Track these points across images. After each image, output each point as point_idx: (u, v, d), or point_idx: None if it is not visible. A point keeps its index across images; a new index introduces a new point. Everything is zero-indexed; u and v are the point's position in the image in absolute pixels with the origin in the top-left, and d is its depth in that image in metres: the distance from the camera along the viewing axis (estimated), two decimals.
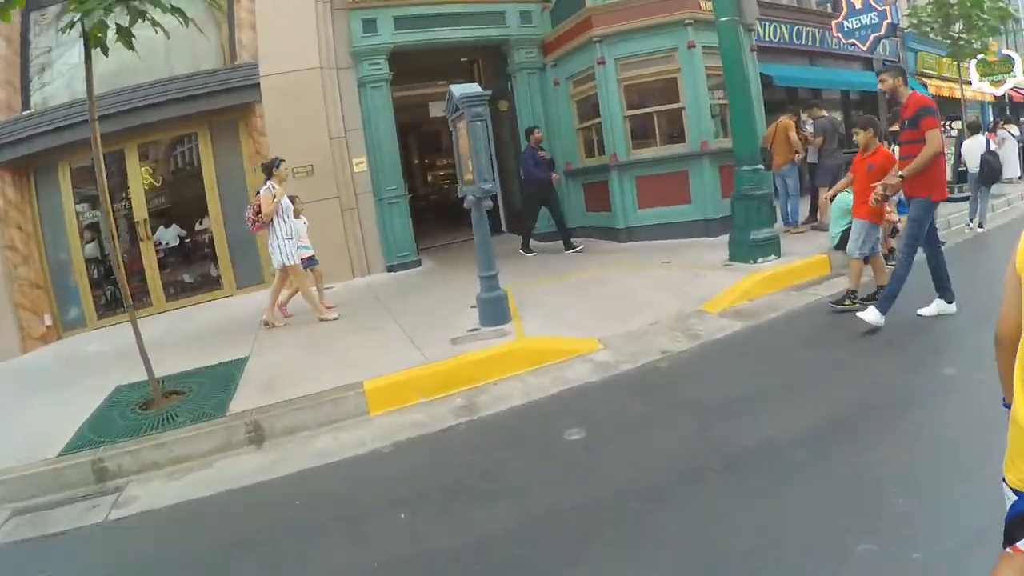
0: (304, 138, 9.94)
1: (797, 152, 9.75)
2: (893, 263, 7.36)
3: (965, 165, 12.47)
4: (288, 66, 9.87)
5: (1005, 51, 18.80)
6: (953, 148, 12.51)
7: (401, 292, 8.69)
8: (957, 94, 19.99)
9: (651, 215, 10.18)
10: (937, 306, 5.58)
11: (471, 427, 4.44)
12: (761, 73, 12.95)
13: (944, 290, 5.59)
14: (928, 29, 14.77)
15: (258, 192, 7.25)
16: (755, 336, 5.66)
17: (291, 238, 7.21)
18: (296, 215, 7.58)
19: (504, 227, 13.77)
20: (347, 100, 10.56)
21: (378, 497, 3.72)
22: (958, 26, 14.24)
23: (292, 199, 7.56)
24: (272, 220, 7.10)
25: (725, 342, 5.57)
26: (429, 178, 22.55)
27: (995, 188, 10.98)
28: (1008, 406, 1.56)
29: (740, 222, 7.71)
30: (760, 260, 7.48)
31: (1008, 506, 1.55)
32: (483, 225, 6.19)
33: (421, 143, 20.60)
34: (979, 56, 18.86)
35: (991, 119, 22.05)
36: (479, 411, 4.63)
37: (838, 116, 16.52)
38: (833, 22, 15.24)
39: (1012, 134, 17.32)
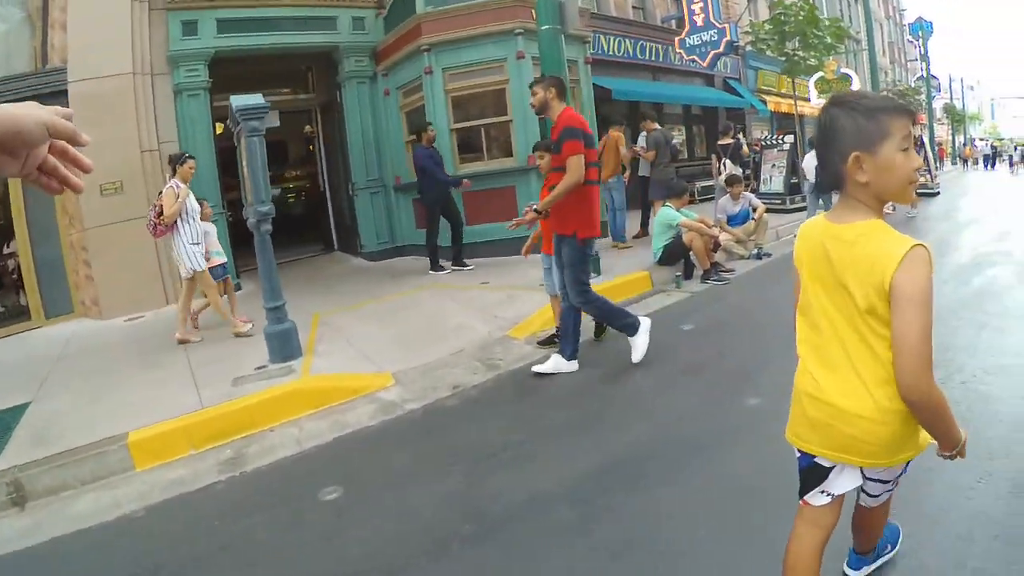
0: (113, 151, 8.70)
1: (624, 167, 9.51)
2: (715, 279, 7.23)
3: (798, 178, 12.83)
4: (98, 71, 8.86)
5: (844, 70, 19.78)
6: (786, 161, 12.81)
7: (207, 321, 7.72)
8: (797, 110, 20.97)
9: (479, 232, 9.65)
10: (555, 363, 4.87)
11: (231, 485, 3.89)
12: (601, 86, 12.87)
13: (572, 350, 4.90)
14: (765, 47, 15.21)
15: (160, 192, 6.55)
16: None
17: (198, 243, 6.51)
18: (204, 218, 6.94)
19: (336, 245, 13.00)
20: (163, 110, 9.55)
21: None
22: (793, 44, 14.72)
23: (200, 202, 6.90)
24: (176, 223, 6.37)
25: (522, 373, 5.05)
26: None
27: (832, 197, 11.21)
28: None
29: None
30: None
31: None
32: (266, 251, 5.50)
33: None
34: (818, 74, 19.80)
35: None
36: (245, 464, 4.06)
37: (678, 131, 16.84)
38: (676, 39, 15.48)
39: None
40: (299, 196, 17.51)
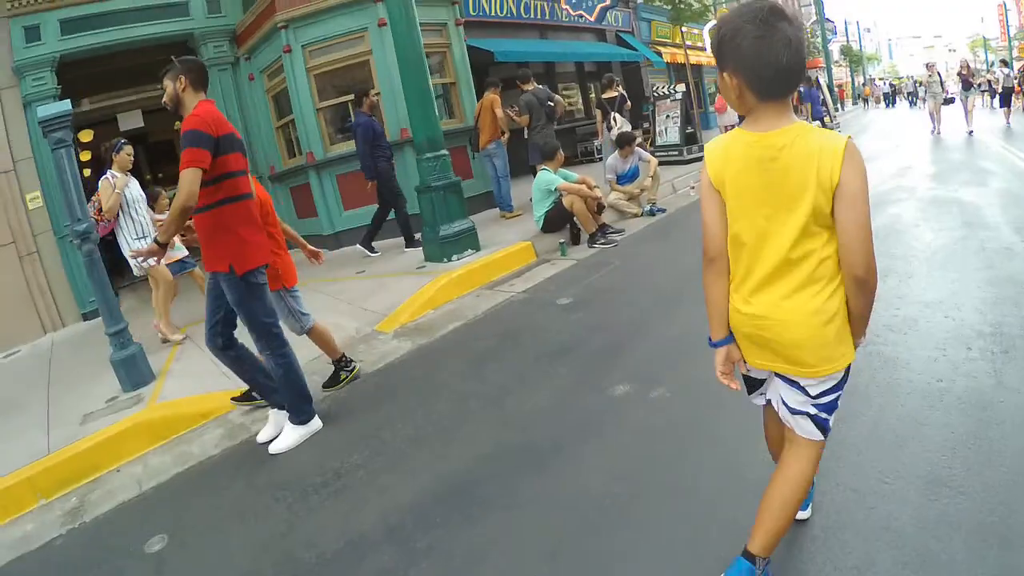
0: None
1: (503, 131, 9.00)
2: (602, 242, 6.86)
3: (693, 127, 12.65)
4: None
5: None
6: (680, 111, 12.55)
7: (78, 348, 7.01)
8: (692, 60, 20.83)
9: (358, 216, 9.02)
10: (275, 423, 3.90)
11: (70, 539, 3.43)
12: (482, 49, 12.31)
13: (270, 394, 3.91)
14: None
15: (97, 187, 5.85)
16: (416, 363, 4.61)
17: (144, 236, 5.89)
18: (161, 210, 6.38)
19: None
20: (14, 126, 8.63)
21: None
22: None
23: (155, 194, 6.53)
24: (118, 217, 5.80)
25: (381, 376, 4.52)
26: None
27: None
28: (717, 344, 1.86)
29: (428, 217, 6.70)
30: (456, 257, 6.54)
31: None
32: (95, 272, 4.82)
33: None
34: (712, 22, 19.67)
35: None
36: (85, 514, 3.59)
37: (567, 89, 16.40)
38: None
39: None
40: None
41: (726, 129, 18.31)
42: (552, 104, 8.89)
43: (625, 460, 2.78)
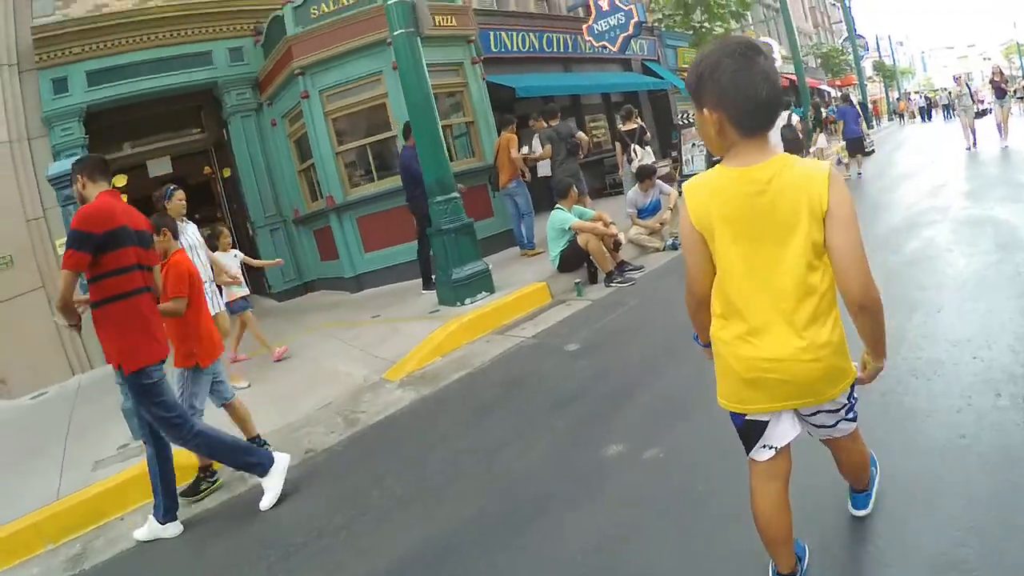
0: None
1: (522, 171, 8.91)
2: (619, 280, 6.67)
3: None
4: None
5: (763, 38, 19.45)
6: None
7: (102, 392, 6.84)
8: None
9: (379, 258, 9.04)
10: (150, 529, 3.58)
11: None
12: (503, 85, 12.32)
13: (165, 508, 3.58)
14: (671, 22, 14.72)
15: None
16: (417, 415, 4.46)
17: (207, 281, 5.57)
18: (224, 248, 6.47)
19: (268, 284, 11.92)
20: (43, 175, 8.84)
21: None
22: (699, 16, 14.25)
23: (216, 234, 6.52)
24: None
25: (381, 428, 4.39)
26: None
27: None
28: (704, 344, 1.92)
29: (441, 260, 6.61)
30: (468, 300, 6.40)
31: None
32: None
33: (146, 210, 18.43)
34: None
35: None
36: (86, 561, 3.59)
37: (593, 121, 16.27)
38: (584, 26, 14.97)
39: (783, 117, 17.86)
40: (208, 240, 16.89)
41: None
42: (575, 139, 8.78)
43: (607, 529, 2.57)
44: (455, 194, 6.65)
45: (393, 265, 8.94)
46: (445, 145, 6.97)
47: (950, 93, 14.08)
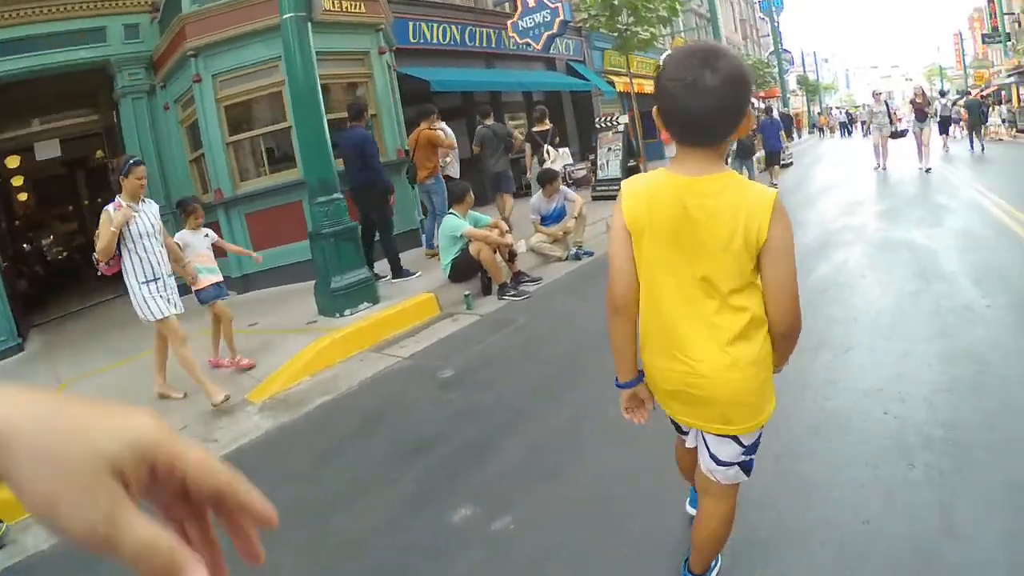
0: None
1: (442, 164, 8.49)
2: (512, 294, 6.32)
3: (635, 160, 12.28)
4: None
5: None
6: (622, 143, 12.12)
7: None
8: (647, 89, 20.55)
9: (269, 257, 8.31)
10: None
11: None
12: (417, 78, 11.83)
13: None
14: (597, 23, 14.46)
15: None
16: (266, 450, 3.98)
17: (153, 279, 4.59)
18: (193, 227, 5.53)
19: None
20: None
21: None
22: (624, 17, 14.01)
23: (188, 205, 5.61)
24: (121, 255, 4.53)
25: (231, 460, 3.81)
26: (49, 237, 20.03)
27: None
28: (624, 385, 1.79)
29: (320, 267, 6.08)
30: (349, 312, 5.91)
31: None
32: None
33: (34, 195, 17.32)
34: (668, 52, 19.36)
35: None
36: None
37: (513, 120, 15.95)
38: (509, 22, 14.61)
39: None
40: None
41: None
42: (511, 139, 8.70)
43: None
44: (338, 195, 6.12)
45: (283, 266, 8.35)
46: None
47: (869, 108, 14.15)
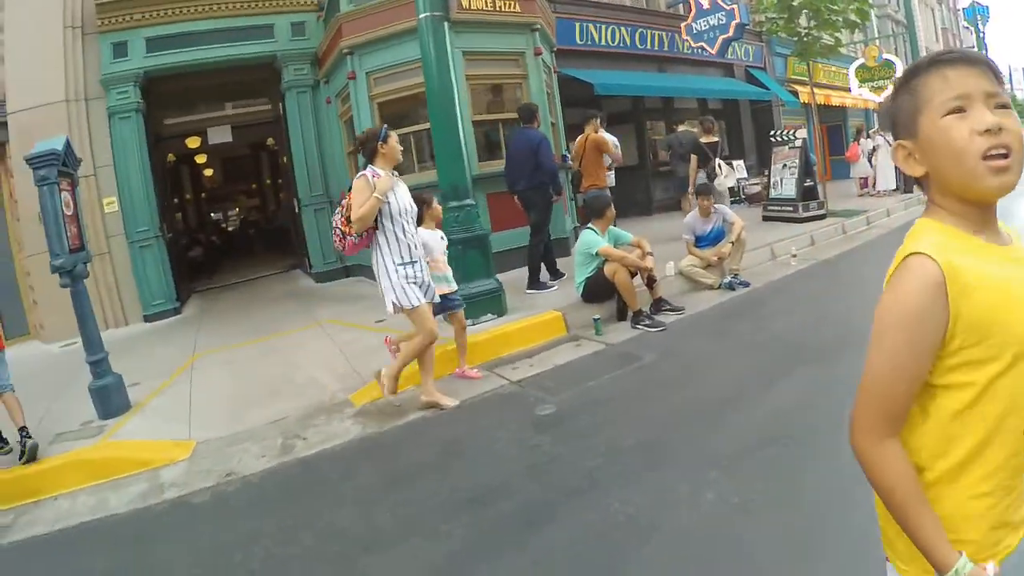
0: None
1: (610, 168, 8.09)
2: (646, 323, 5.70)
3: (812, 180, 11.15)
4: (35, 100, 8.67)
5: (886, 55, 17.62)
6: (798, 160, 10.97)
7: (123, 351, 6.76)
8: (834, 101, 18.86)
9: None
10: None
11: None
12: (580, 80, 11.40)
13: None
14: (775, 26, 13.29)
15: (348, 187, 4.32)
16: (343, 461, 3.83)
17: (410, 262, 4.23)
18: (431, 225, 4.95)
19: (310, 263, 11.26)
20: (98, 134, 9.23)
21: None
22: (806, 21, 12.75)
23: (423, 201, 4.85)
24: (376, 232, 4.20)
25: (303, 467, 3.84)
26: (217, 213, 21.69)
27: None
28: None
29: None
30: (471, 322, 5.54)
31: None
32: (80, 303, 4.91)
33: (221, 173, 18.74)
34: (859, 61, 17.76)
35: (875, 125, 21.07)
36: (6, 537, 3.49)
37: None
38: (683, 24, 13.85)
39: (888, 141, 16.16)
40: (267, 212, 16.97)
41: (861, 181, 16.31)
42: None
43: None
44: (470, 201, 5.87)
45: None
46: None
47: None
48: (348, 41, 8.57)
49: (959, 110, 0.99)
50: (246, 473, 3.81)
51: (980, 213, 1.04)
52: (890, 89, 1.16)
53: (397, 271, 4.14)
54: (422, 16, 5.79)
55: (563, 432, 3.73)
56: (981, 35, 35.20)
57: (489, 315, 5.75)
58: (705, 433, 3.45)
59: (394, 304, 4.17)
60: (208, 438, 4.37)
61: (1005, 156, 0.97)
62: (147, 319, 9.22)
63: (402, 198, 4.20)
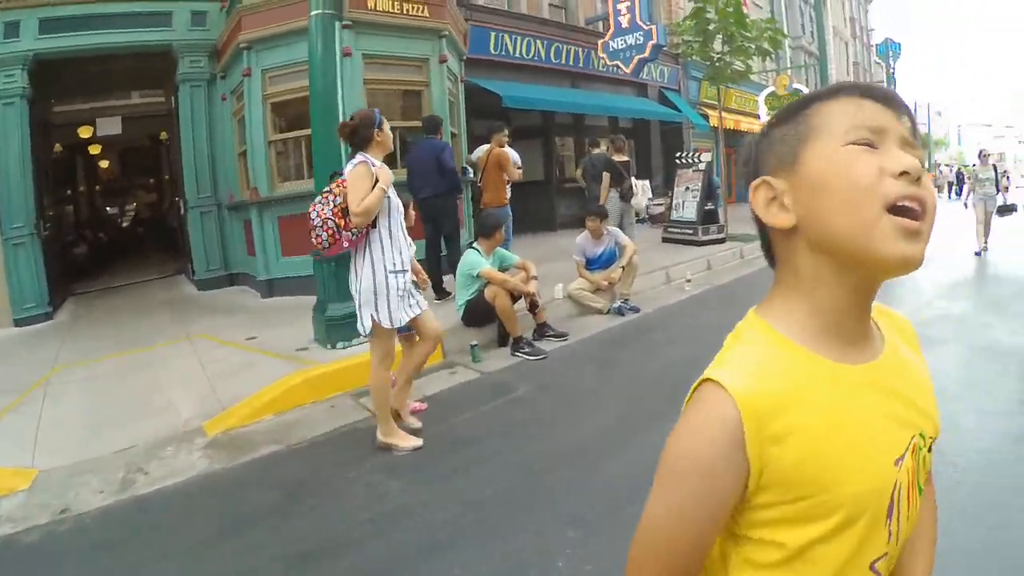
0: None
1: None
2: (526, 351, 5.50)
3: (714, 203, 11.29)
4: None
5: (796, 85, 18.24)
6: (701, 184, 11.09)
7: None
8: (743, 126, 19.36)
9: (295, 265, 7.92)
10: None
11: None
12: (488, 90, 11.22)
13: None
14: (689, 49, 13.52)
15: (338, 174, 3.85)
16: (175, 502, 3.42)
17: (402, 271, 3.73)
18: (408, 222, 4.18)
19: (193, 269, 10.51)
20: None
21: None
22: (718, 45, 13.01)
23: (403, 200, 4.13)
24: (372, 230, 3.69)
25: (135, 507, 3.41)
26: (114, 208, 20.49)
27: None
28: None
29: (319, 292, 5.53)
30: (342, 344, 5.27)
31: None
32: None
33: (89, 167, 17.62)
34: (769, 89, 18.29)
35: None
36: None
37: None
38: (600, 42, 13.88)
39: None
40: (161, 210, 16.14)
41: None
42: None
43: None
44: None
45: (309, 275, 7.86)
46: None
47: (973, 168, 10.59)
48: (247, 35, 8.13)
49: (869, 144, 0.72)
50: (81, 511, 3.39)
51: (853, 301, 0.77)
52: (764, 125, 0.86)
53: (388, 279, 3.64)
54: (313, 13, 5.48)
55: (420, 477, 3.46)
56: (892, 71, 37.10)
57: (362, 337, 5.39)
58: (572, 482, 3.25)
59: (383, 318, 3.65)
60: (52, 466, 3.92)
61: (917, 218, 0.70)
62: (17, 323, 8.37)
63: (393, 194, 3.77)
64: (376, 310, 3.64)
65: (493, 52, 12.36)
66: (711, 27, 12.27)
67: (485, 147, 8.00)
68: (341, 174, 3.79)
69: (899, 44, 39.17)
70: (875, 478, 0.74)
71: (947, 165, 51.19)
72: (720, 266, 9.85)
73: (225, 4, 9.37)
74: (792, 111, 0.80)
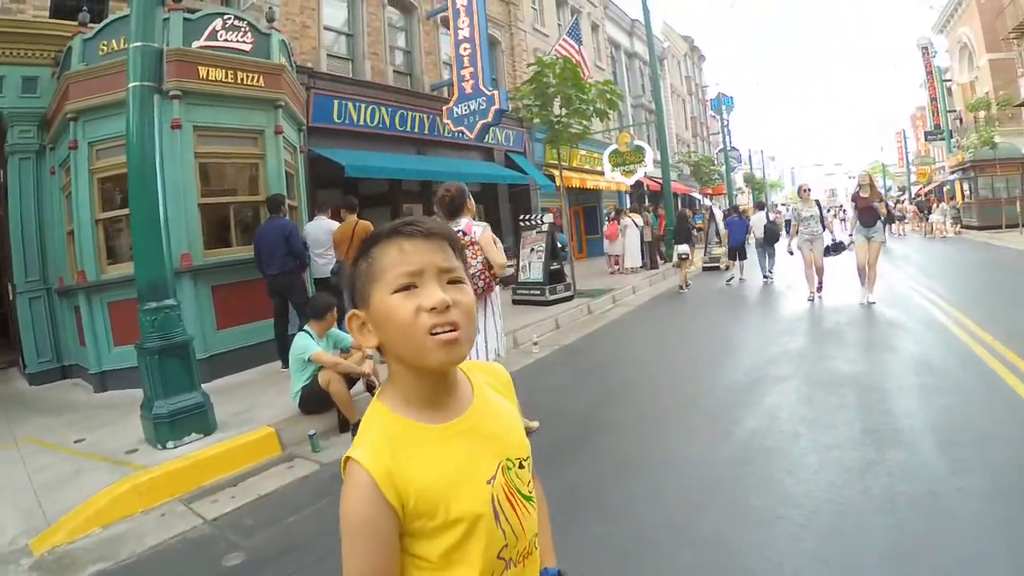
0: None
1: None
2: None
3: (559, 263, 11.77)
4: None
5: (637, 142, 19.45)
6: (545, 244, 11.57)
7: None
8: (589, 184, 20.38)
9: (128, 355, 7.31)
10: None
11: None
12: (331, 159, 11.23)
13: None
14: (529, 113, 14.22)
15: (464, 234, 4.38)
16: None
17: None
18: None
19: (24, 362, 9.46)
20: None
21: None
22: (556, 108, 13.77)
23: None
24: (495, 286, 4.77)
25: None
26: None
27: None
28: None
29: (145, 388, 5.26)
30: (172, 444, 5.03)
31: None
32: None
33: None
34: (612, 147, 19.36)
35: (627, 206, 23.03)
36: None
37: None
38: (444, 108, 14.28)
39: (635, 223, 17.64)
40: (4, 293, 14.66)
41: (613, 259, 17.68)
42: None
43: None
44: (170, 301, 5.34)
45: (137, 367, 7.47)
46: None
47: (796, 212, 11.11)
48: (73, 104, 7.75)
49: (410, 287, 1.04)
50: None
51: (431, 387, 1.09)
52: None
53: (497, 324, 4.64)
54: (131, 85, 5.28)
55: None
56: (726, 122, 40.51)
57: (194, 435, 5.19)
58: None
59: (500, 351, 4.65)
60: None
61: (453, 330, 1.02)
62: None
63: None
64: (498, 345, 4.64)
65: (337, 121, 12.38)
66: (550, 90, 12.99)
67: (330, 223, 8.03)
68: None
69: (731, 98, 42.94)
70: (474, 497, 1.04)
71: (783, 204, 56.05)
72: (568, 324, 10.22)
73: (57, 70, 8.86)
74: (366, 247, 1.10)
